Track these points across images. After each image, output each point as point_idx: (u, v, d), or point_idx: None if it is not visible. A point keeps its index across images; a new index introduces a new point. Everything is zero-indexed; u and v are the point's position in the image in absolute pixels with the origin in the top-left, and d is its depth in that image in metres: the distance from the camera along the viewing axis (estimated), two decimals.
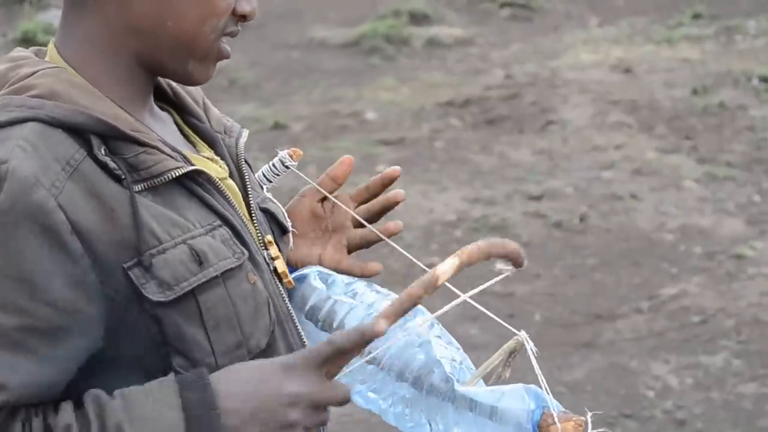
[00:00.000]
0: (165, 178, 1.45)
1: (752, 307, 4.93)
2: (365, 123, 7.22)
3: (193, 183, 1.49)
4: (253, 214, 1.60)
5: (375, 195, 1.78)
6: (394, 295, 1.65)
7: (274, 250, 1.60)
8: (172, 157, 1.48)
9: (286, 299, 1.59)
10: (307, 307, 1.66)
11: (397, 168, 1.77)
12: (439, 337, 1.59)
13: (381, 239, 1.76)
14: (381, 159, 6.58)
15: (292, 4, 9.40)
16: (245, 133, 1.68)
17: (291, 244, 1.71)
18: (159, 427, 1.34)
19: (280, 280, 1.61)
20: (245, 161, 1.64)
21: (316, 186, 1.76)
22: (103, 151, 1.41)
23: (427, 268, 1.78)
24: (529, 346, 1.47)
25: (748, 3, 9.12)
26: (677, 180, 6.24)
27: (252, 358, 1.47)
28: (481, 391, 1.51)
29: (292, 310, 1.60)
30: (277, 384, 1.37)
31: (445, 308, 1.47)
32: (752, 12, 8.91)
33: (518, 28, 9.14)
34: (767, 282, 5.14)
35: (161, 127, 1.55)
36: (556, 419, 1.46)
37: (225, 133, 1.65)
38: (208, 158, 1.59)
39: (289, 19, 9.13)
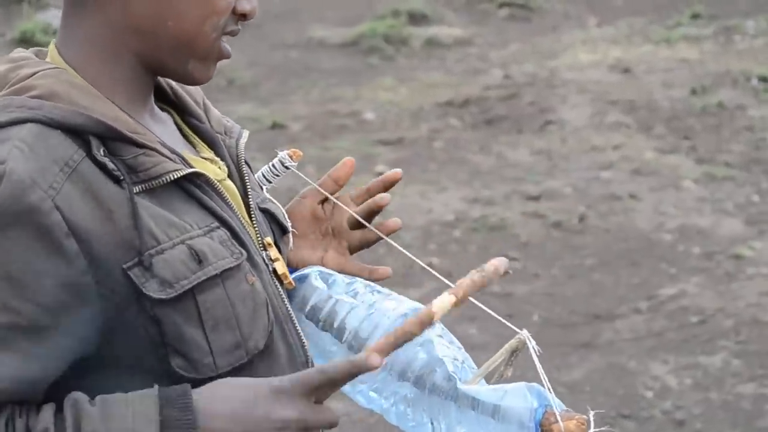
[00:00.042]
0: (163, 180, 1.45)
1: (751, 307, 4.93)
2: (364, 123, 7.22)
3: (192, 185, 1.49)
4: (253, 215, 1.60)
5: None
6: (394, 295, 1.65)
7: (273, 252, 1.60)
8: (171, 159, 1.48)
9: (286, 300, 1.59)
10: (308, 307, 1.66)
11: (399, 171, 1.77)
12: (441, 336, 1.59)
13: (381, 239, 1.75)
14: (380, 159, 6.58)
15: (291, 3, 9.39)
16: (245, 134, 1.68)
17: (291, 244, 1.70)
18: None
19: (280, 281, 1.61)
20: (245, 162, 1.64)
21: (318, 187, 1.76)
22: (102, 152, 1.41)
23: (426, 266, 1.79)
24: (532, 344, 1.48)
25: (746, 3, 9.12)
26: (676, 180, 6.24)
27: (250, 359, 1.48)
28: (483, 390, 1.51)
29: (291, 311, 1.59)
30: (267, 407, 1.37)
31: None
32: (751, 12, 8.90)
33: (517, 28, 9.13)
34: (766, 282, 5.14)
35: (161, 128, 1.55)
36: (558, 418, 1.46)
37: (225, 133, 1.65)
38: (207, 159, 1.58)
39: (288, 19, 9.12)
